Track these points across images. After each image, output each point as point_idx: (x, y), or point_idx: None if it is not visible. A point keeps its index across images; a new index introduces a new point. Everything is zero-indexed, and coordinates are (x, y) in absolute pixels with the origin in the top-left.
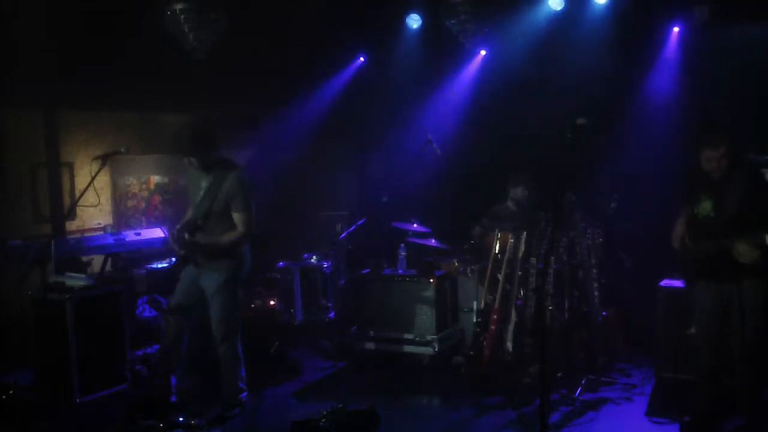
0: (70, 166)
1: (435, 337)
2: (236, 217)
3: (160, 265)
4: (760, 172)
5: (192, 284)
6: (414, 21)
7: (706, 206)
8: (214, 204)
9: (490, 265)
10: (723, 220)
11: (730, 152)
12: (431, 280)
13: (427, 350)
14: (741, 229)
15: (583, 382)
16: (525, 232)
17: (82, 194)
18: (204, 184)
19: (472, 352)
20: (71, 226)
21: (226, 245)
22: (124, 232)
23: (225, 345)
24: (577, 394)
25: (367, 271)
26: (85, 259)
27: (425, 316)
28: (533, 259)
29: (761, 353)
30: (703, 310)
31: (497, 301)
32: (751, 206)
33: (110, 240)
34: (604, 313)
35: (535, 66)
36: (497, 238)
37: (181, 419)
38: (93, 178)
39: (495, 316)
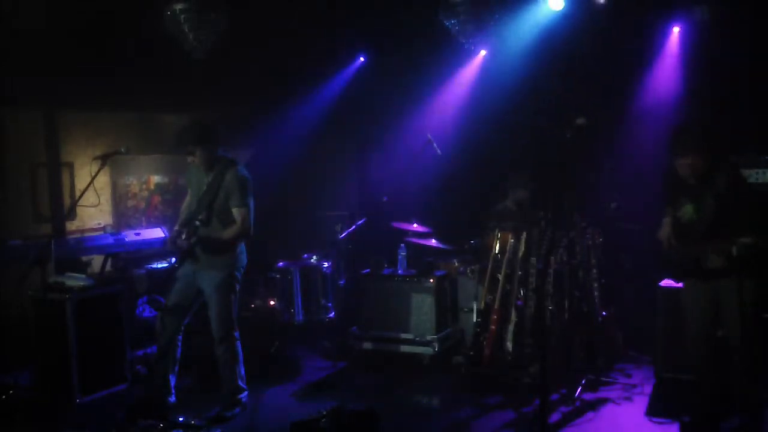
0: (70, 166)
1: (435, 337)
2: (234, 212)
3: (160, 265)
4: (740, 174)
5: (188, 284)
6: (413, 21)
7: (688, 210)
8: (216, 201)
9: (490, 265)
10: (706, 224)
11: (701, 158)
12: (431, 280)
13: (427, 350)
14: (723, 232)
15: (583, 382)
16: (525, 232)
17: (82, 194)
18: (206, 181)
19: (472, 352)
20: (71, 226)
21: (225, 241)
22: (124, 232)
23: (224, 344)
24: (577, 394)
25: (367, 271)
26: (85, 259)
27: (425, 316)
28: (533, 259)
29: (759, 352)
30: (698, 309)
31: (497, 301)
32: (732, 208)
33: (110, 240)
34: (604, 313)
35: (535, 66)
36: (497, 238)
37: (181, 419)
38: (93, 178)
39: (495, 316)
